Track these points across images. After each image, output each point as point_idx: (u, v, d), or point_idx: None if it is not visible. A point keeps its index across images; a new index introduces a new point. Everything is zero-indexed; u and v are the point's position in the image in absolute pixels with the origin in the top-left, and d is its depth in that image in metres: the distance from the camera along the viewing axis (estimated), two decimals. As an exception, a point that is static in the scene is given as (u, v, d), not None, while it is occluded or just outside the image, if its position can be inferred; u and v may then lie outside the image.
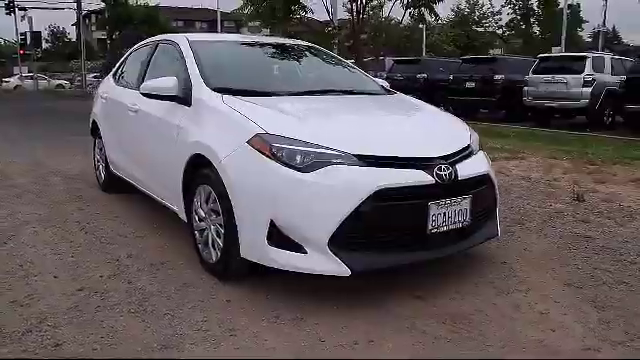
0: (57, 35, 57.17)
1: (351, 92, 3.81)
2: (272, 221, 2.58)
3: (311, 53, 4.44)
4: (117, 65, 5.26)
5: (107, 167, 5.00)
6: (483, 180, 3.02)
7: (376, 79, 4.31)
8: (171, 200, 3.57)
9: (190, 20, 57.88)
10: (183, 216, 3.39)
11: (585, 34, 42.04)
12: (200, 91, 3.29)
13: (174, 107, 3.44)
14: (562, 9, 23.79)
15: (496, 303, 2.77)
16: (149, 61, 4.31)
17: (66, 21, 77.79)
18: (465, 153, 2.99)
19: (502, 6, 36.51)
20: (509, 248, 3.61)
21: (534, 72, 12.66)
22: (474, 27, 38.16)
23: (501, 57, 16.22)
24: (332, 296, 2.77)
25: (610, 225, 4.16)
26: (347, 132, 2.88)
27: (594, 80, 11.55)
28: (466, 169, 2.86)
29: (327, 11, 13.44)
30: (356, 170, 2.58)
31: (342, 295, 2.78)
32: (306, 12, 13.05)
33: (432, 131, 3.25)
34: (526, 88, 12.65)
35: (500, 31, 39.08)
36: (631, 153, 7.59)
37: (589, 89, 11.47)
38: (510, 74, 13.48)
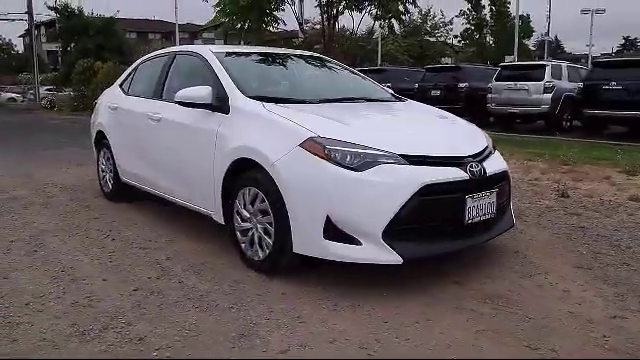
0: (3, 47, 54.89)
1: (369, 99, 4.09)
2: (328, 217, 2.81)
3: (323, 63, 4.68)
4: (123, 76, 5.35)
5: (116, 176, 5.07)
6: (504, 176, 3.36)
7: (385, 87, 4.61)
8: (204, 204, 3.71)
9: (143, 32, 56.87)
10: (219, 219, 3.55)
11: (530, 43, 44.29)
12: (237, 99, 3.47)
13: (208, 115, 3.60)
14: (515, 20, 25.02)
15: (522, 285, 3.10)
16: (167, 72, 4.43)
17: (13, 32, 75.04)
18: (487, 152, 3.33)
19: (456, 16, 38.06)
20: (516, 239, 3.96)
21: (497, 79, 13.36)
22: (426, 37, 39.36)
23: (465, 66, 16.96)
24: (377, 286, 3.02)
25: (598, 217, 4.60)
26: (386, 134, 3.14)
27: (554, 87, 12.31)
28: (491, 166, 3.19)
29: (298, 22, 13.80)
30: (403, 168, 2.85)
31: (385, 285, 3.03)
32: (278, 23, 13.35)
33: (456, 133, 3.57)
34: (490, 95, 13.31)
35: (454, 41, 40.61)
36: (595, 154, 8.23)
37: (549, 95, 12.22)
38: (474, 82, 14.16)
